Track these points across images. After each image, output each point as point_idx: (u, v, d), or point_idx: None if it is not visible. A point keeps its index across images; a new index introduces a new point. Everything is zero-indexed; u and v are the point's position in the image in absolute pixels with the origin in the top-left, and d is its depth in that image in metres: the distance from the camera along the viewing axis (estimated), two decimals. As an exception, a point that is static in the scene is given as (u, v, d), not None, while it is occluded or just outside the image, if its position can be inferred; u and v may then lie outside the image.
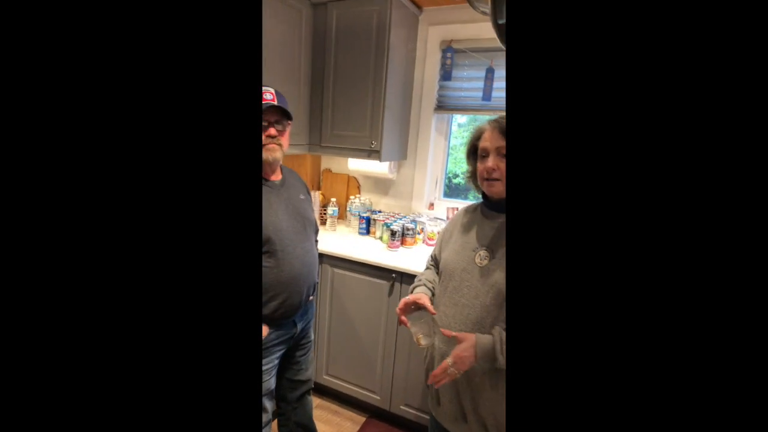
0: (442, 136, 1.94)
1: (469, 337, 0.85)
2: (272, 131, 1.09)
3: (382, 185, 2.07)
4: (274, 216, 1.11)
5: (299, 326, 1.22)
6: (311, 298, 1.26)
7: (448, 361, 0.85)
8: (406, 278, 1.52)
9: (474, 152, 0.95)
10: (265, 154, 1.10)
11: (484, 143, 0.90)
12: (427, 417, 1.58)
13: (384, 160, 1.75)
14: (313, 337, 1.36)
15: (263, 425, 1.20)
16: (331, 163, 2.20)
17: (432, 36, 1.81)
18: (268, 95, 1.09)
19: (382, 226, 1.83)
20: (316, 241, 1.30)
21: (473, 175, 0.97)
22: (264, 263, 1.09)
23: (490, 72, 1.70)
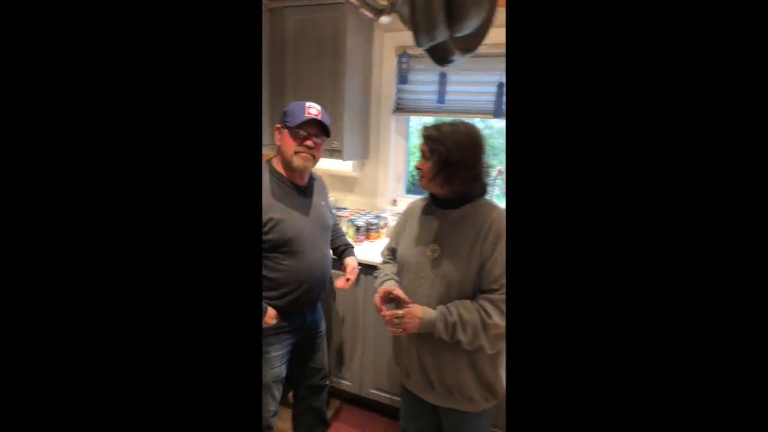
0: (402, 136, 2.05)
1: (420, 307, 0.99)
2: (310, 142, 1.19)
3: (346, 183, 2.16)
4: (296, 219, 1.20)
5: (308, 319, 1.32)
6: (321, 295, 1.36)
7: (400, 312, 0.99)
8: (370, 270, 1.62)
9: None
10: (297, 162, 1.19)
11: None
12: (396, 398, 1.70)
13: (346, 159, 1.84)
14: (323, 329, 1.44)
15: (273, 413, 1.28)
16: (297, 163, 2.26)
17: (388, 42, 1.91)
18: (314, 110, 1.19)
19: (347, 222, 1.92)
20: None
21: None
22: (284, 262, 1.19)
23: (443, 76, 1.82)
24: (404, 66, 1.88)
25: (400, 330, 1.00)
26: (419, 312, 0.98)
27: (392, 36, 1.90)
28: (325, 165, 2.08)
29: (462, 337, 0.94)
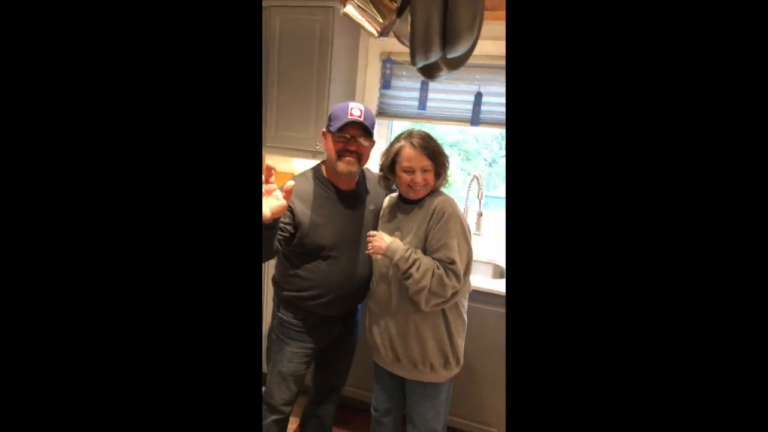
0: (383, 140, 2.10)
1: (391, 238, 1.14)
2: (353, 146, 1.15)
3: (326, 183, 2.18)
4: (335, 225, 1.19)
5: (337, 331, 1.31)
6: (358, 306, 1.35)
7: (373, 233, 1.15)
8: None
9: (392, 165, 1.17)
10: (342, 167, 1.15)
11: (407, 162, 1.13)
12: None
13: (328, 161, 1.86)
14: (354, 345, 1.41)
15: (285, 402, 1.30)
16: (276, 162, 2.25)
17: (372, 47, 1.95)
18: (356, 111, 1.14)
19: (327, 222, 1.95)
20: None
21: (390, 181, 1.22)
22: (318, 266, 1.19)
23: (424, 84, 1.89)
24: (388, 71, 1.92)
25: (370, 248, 1.13)
26: (389, 238, 1.13)
27: (377, 41, 1.94)
28: (305, 166, 2.09)
29: (415, 273, 1.06)
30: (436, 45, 0.75)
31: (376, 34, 0.80)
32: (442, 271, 1.06)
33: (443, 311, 1.14)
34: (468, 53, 0.98)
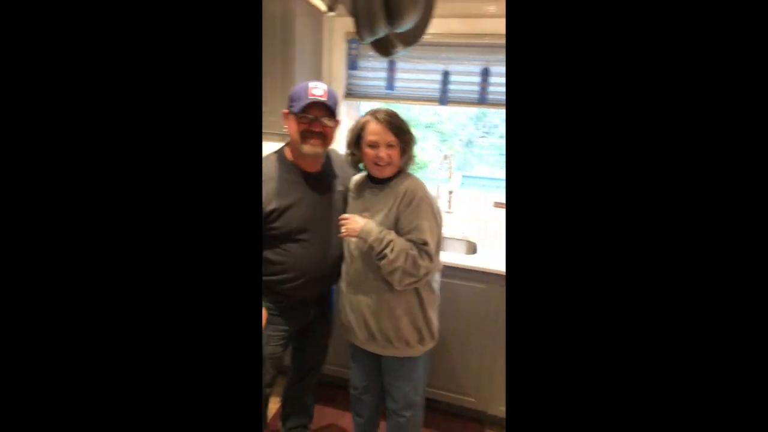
0: (353, 120, 2.09)
1: (364, 220, 1.14)
2: (318, 128, 1.12)
3: (299, 169, 2.17)
4: (303, 208, 1.17)
5: (312, 313, 1.32)
6: (332, 287, 1.35)
7: (346, 215, 1.16)
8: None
9: (358, 141, 1.16)
10: (307, 149, 1.12)
11: (372, 136, 1.12)
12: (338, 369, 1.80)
13: (298, 145, 1.85)
14: (332, 326, 1.43)
15: (266, 384, 1.31)
16: (248, 148, 2.23)
17: (338, 27, 1.92)
18: (318, 91, 1.09)
19: (301, 207, 1.95)
20: None
21: (356, 157, 1.21)
22: (289, 249, 1.18)
23: (392, 63, 1.88)
24: (354, 52, 1.91)
25: (344, 230, 1.13)
26: (362, 220, 1.13)
27: (341, 21, 1.91)
28: (275, 149, 2.07)
29: (389, 253, 1.08)
30: (380, 19, 0.75)
31: (325, 8, 0.80)
32: (416, 251, 1.08)
33: (416, 288, 1.16)
34: (420, 28, 0.98)
